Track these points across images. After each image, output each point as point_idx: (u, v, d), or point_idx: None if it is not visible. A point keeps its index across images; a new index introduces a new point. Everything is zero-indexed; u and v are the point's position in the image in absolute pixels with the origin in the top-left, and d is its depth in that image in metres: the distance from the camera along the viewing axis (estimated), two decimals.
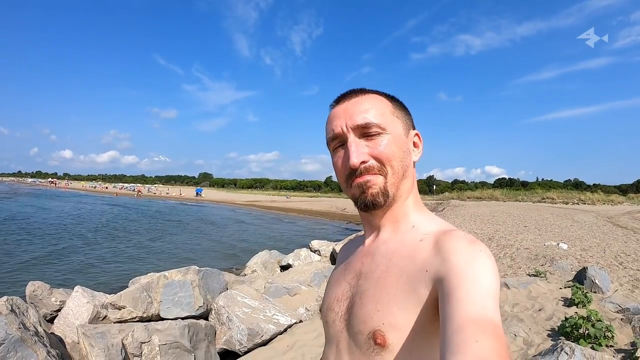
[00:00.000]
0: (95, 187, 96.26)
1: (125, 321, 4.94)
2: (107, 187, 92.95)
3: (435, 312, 0.63)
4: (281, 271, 9.07)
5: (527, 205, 27.01)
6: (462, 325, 0.53)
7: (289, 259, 10.06)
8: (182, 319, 5.00)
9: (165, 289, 5.42)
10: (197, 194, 65.18)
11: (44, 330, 4.05)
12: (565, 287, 5.23)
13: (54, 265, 10.51)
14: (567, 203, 31.44)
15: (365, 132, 0.74)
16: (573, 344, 2.81)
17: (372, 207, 0.75)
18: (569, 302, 4.52)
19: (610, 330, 3.40)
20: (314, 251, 11.48)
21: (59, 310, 5.26)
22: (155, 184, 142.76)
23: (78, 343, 4.24)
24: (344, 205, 37.65)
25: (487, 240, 10.27)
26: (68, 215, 24.20)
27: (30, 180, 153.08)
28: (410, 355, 0.64)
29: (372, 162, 0.73)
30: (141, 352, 4.09)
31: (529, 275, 6.18)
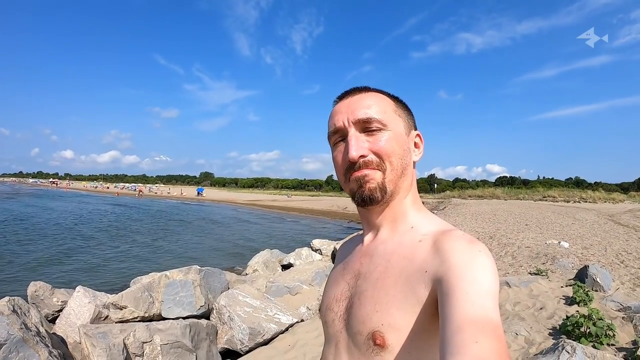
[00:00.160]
0: (96, 187, 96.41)
1: (127, 321, 4.94)
2: (108, 187, 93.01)
3: (434, 313, 0.63)
4: (282, 270, 9.06)
5: (529, 204, 26.96)
6: (461, 325, 0.53)
7: (290, 258, 10.06)
8: (184, 318, 5.01)
9: (167, 288, 5.42)
10: (198, 193, 65.17)
11: (45, 330, 4.06)
12: (566, 286, 5.22)
13: (56, 265, 10.52)
14: (568, 201, 31.38)
15: (366, 127, 0.75)
16: (574, 343, 2.81)
17: (369, 201, 0.75)
18: (570, 301, 4.51)
19: (611, 329, 3.39)
20: (315, 250, 11.47)
21: (60, 310, 5.26)
22: (156, 183, 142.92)
23: (80, 343, 4.24)
24: (345, 204, 37.59)
25: (489, 238, 10.26)
26: (69, 215, 24.23)
27: (31, 180, 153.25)
28: (410, 356, 0.64)
29: (371, 157, 0.73)
30: (143, 352, 4.10)
31: (530, 273, 6.17)
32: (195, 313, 5.26)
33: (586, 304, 4.23)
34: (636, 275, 6.07)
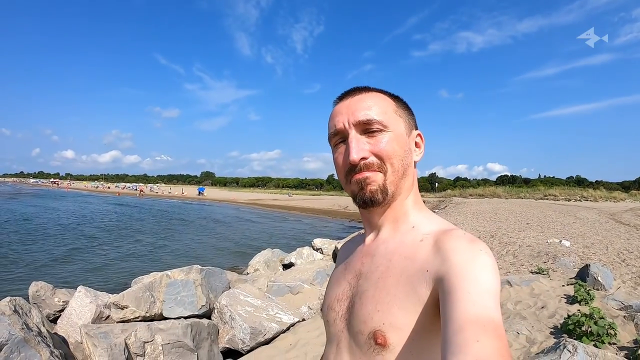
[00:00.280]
0: (97, 187, 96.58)
1: (128, 321, 4.95)
2: (109, 187, 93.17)
3: (436, 312, 0.63)
4: (284, 270, 9.06)
5: (530, 203, 26.96)
6: (462, 325, 0.53)
7: (291, 257, 10.06)
8: (185, 318, 5.01)
9: (168, 288, 5.43)
10: (199, 193, 65.28)
11: (47, 330, 4.07)
12: (567, 285, 5.22)
13: (57, 265, 10.54)
14: (569, 200, 31.38)
15: (366, 128, 0.74)
16: (576, 342, 2.81)
17: (370, 204, 0.75)
18: (571, 300, 4.51)
19: (613, 328, 3.39)
20: (316, 249, 11.47)
21: (62, 310, 5.27)
22: (157, 183, 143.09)
23: (81, 343, 4.25)
24: (346, 203, 37.59)
25: (490, 237, 10.25)
26: (72, 215, 24.27)
27: (32, 180, 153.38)
28: (412, 355, 0.64)
29: (372, 159, 0.73)
30: (144, 352, 4.10)
31: (531, 272, 6.17)
32: (196, 313, 5.26)
33: (587, 303, 4.22)
34: (637, 274, 6.06)
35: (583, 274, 5.25)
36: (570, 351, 2.70)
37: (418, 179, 0.86)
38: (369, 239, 0.83)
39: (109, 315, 4.96)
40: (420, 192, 0.85)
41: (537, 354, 3.14)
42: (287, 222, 26.60)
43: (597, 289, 4.88)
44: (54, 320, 5.16)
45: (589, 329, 3.36)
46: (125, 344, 4.03)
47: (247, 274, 9.21)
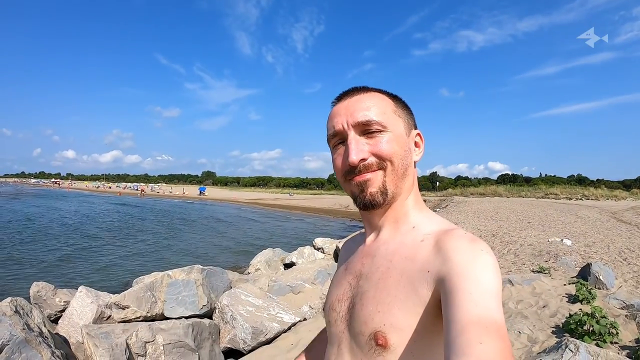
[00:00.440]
0: (98, 187, 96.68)
1: (129, 321, 4.95)
2: (110, 187, 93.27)
3: (438, 313, 0.62)
4: (285, 269, 9.06)
5: (531, 201, 26.92)
6: (465, 326, 0.52)
7: (292, 257, 10.06)
8: (186, 318, 5.01)
9: (169, 288, 5.43)
10: (200, 192, 65.36)
11: (48, 330, 4.07)
12: (569, 284, 5.21)
13: (58, 265, 10.55)
14: (570, 199, 31.33)
15: (366, 129, 0.74)
16: (577, 341, 2.80)
17: (371, 206, 0.74)
18: (573, 299, 4.50)
19: (614, 327, 3.38)
20: (318, 249, 11.46)
21: (63, 310, 5.27)
22: (158, 183, 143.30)
23: (82, 343, 4.25)
24: (347, 202, 37.56)
25: (491, 236, 10.24)
26: (73, 215, 24.31)
27: (33, 180, 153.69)
28: (413, 356, 0.64)
29: (371, 160, 0.73)
30: (145, 352, 4.10)
31: (532, 271, 6.16)
32: (197, 312, 5.26)
33: (589, 302, 4.22)
34: (639, 272, 6.04)
35: (584, 273, 5.24)
36: (572, 350, 2.69)
37: (418, 178, 0.86)
38: (370, 239, 0.82)
39: (110, 316, 4.96)
40: (421, 191, 0.85)
41: (539, 353, 3.13)
42: (288, 221, 26.62)
43: (599, 288, 4.87)
44: (55, 321, 5.17)
45: (591, 328, 3.36)
46: (127, 344, 4.04)
47: (248, 273, 9.21)
